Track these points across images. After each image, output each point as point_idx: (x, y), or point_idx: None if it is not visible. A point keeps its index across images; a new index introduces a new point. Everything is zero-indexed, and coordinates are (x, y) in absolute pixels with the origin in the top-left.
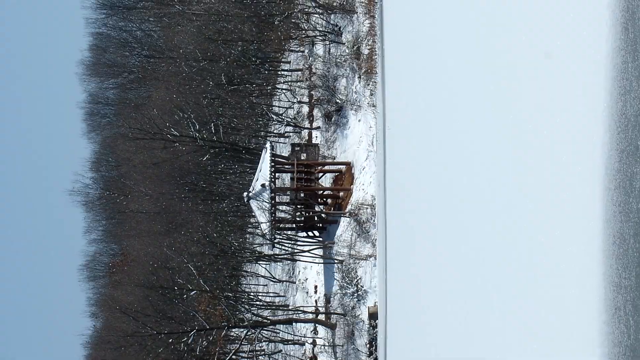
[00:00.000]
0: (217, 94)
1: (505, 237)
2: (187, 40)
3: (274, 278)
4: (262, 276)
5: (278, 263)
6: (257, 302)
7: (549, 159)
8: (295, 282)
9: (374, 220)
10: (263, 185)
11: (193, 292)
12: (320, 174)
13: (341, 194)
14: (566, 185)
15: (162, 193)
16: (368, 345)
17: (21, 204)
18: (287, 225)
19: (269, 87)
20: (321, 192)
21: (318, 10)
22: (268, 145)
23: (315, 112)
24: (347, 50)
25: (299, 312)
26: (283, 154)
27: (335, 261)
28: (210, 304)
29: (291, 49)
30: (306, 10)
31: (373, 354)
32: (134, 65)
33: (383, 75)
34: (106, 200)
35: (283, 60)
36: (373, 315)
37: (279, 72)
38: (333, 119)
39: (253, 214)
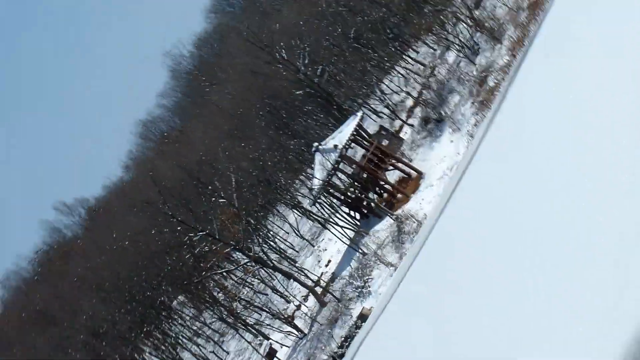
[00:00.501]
0: (339, 42)
1: None
2: None
3: (298, 231)
4: (289, 223)
5: (309, 220)
6: (271, 243)
7: None
8: (313, 246)
9: (413, 236)
10: (335, 146)
11: (222, 201)
12: (391, 167)
13: (399, 195)
14: None
15: (244, 100)
16: (342, 339)
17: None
18: (336, 194)
19: (388, 64)
20: (383, 183)
21: (468, 22)
22: (360, 113)
23: (417, 110)
24: (474, 72)
25: (302, 273)
26: (368, 130)
27: (359, 251)
28: (231, 219)
29: (426, 41)
30: (458, 15)
31: (343, 348)
32: None
33: (494, 115)
34: (192, 78)
35: (414, 47)
36: (363, 317)
37: (404, 56)
38: (429, 125)
39: (313, 165)
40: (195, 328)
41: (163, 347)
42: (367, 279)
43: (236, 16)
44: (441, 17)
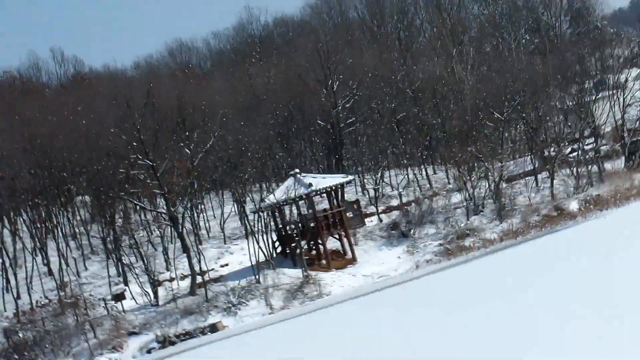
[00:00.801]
0: (384, 113)
1: None
2: None
3: (223, 222)
4: (222, 211)
5: (239, 222)
6: (195, 214)
7: None
8: (225, 243)
9: (303, 301)
10: (310, 184)
11: (187, 151)
12: (337, 236)
13: (323, 261)
14: None
15: (280, 86)
16: (183, 332)
17: None
18: (277, 219)
19: (405, 161)
20: (320, 242)
21: (491, 187)
22: (294, 173)
23: (396, 212)
24: (461, 225)
25: (198, 256)
26: (347, 193)
27: (256, 276)
28: (181, 171)
29: (448, 169)
30: (488, 174)
31: (177, 339)
32: None
33: (443, 268)
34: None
35: (435, 165)
36: (213, 328)
37: (422, 166)
38: (393, 231)
39: (280, 184)
40: (76, 230)
41: (37, 225)
42: (243, 302)
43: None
44: (474, 165)
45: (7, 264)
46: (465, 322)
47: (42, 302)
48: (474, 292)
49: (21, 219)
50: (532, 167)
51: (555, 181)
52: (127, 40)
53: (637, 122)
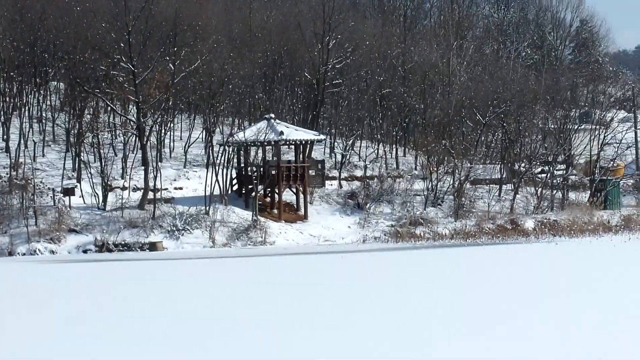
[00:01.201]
0: (371, 84)
1: None
2: None
3: (188, 145)
4: (190, 135)
5: (204, 150)
6: (163, 131)
7: None
8: (185, 167)
9: (247, 244)
10: (281, 132)
11: (171, 66)
12: (294, 190)
13: (274, 210)
14: None
15: (279, 28)
16: (123, 243)
17: None
18: (241, 158)
19: (378, 136)
20: (277, 192)
21: (456, 187)
22: (269, 117)
23: (357, 183)
24: (417, 212)
25: (154, 172)
26: (314, 152)
27: (207, 208)
28: (160, 84)
29: (418, 154)
30: (457, 170)
31: (115, 247)
32: None
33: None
34: None
35: (407, 148)
36: (152, 246)
37: (394, 144)
38: (349, 201)
39: (252, 124)
40: (43, 114)
41: (6, 99)
42: (188, 229)
43: None
44: (444, 158)
45: None
46: (371, 309)
47: None
48: (407, 280)
49: None
50: (499, 176)
51: (518, 196)
52: None
53: (611, 163)
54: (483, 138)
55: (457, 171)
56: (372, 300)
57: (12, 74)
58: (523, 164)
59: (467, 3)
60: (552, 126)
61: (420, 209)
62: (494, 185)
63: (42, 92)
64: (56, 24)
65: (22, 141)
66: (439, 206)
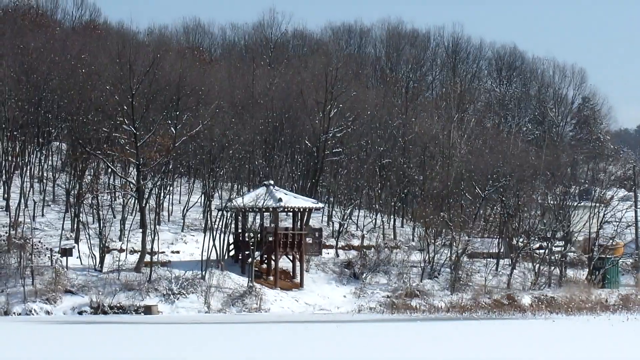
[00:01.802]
0: (371, 154)
1: None
2: None
3: (186, 209)
4: (189, 199)
5: (202, 215)
6: (162, 194)
7: None
8: (182, 231)
9: (242, 310)
10: (280, 199)
11: (172, 130)
12: (290, 258)
13: (270, 278)
14: None
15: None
16: (118, 305)
17: None
18: (239, 223)
19: (377, 206)
20: (273, 259)
21: (454, 259)
22: (268, 183)
23: (354, 253)
24: (413, 284)
25: (152, 235)
26: (312, 219)
27: (203, 273)
28: (162, 147)
29: (415, 226)
30: (454, 244)
31: (111, 309)
32: None
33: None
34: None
35: (404, 219)
36: (148, 309)
37: (393, 216)
38: (346, 270)
39: (251, 190)
40: (44, 174)
41: (9, 158)
42: (183, 293)
43: None
44: (442, 231)
45: None
46: None
47: None
48: (405, 351)
49: None
50: (496, 250)
51: (515, 271)
52: (148, 3)
53: (610, 241)
54: (482, 211)
55: (454, 244)
56: None
57: (15, 133)
58: (521, 239)
59: (470, 77)
60: (552, 202)
61: (416, 280)
62: (492, 259)
63: (44, 152)
64: (61, 85)
65: (22, 200)
66: (435, 278)
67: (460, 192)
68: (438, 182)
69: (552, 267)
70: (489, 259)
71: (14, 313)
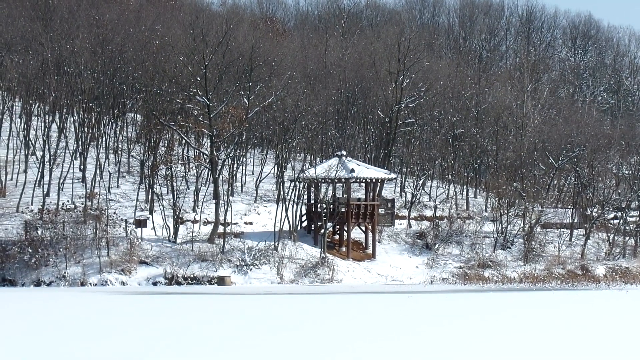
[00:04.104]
0: (444, 123)
1: None
2: None
3: (259, 180)
4: (262, 169)
5: (274, 185)
6: (235, 165)
7: None
8: (255, 202)
9: (314, 281)
10: (352, 170)
11: (245, 101)
12: (363, 229)
13: (343, 248)
14: None
15: (355, 68)
16: (192, 276)
17: None
18: (312, 194)
19: (450, 176)
20: (345, 229)
21: (527, 229)
22: (340, 153)
23: (426, 223)
24: (486, 254)
25: (225, 206)
26: (385, 190)
27: (275, 244)
28: (235, 117)
29: (491, 197)
30: (527, 213)
31: (184, 280)
32: None
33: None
34: None
35: (478, 191)
36: (221, 280)
37: (466, 185)
38: (419, 240)
39: (324, 160)
40: (119, 146)
41: (84, 129)
42: (256, 264)
43: None
44: (515, 201)
45: (46, 159)
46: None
47: (68, 206)
48: (475, 323)
49: (72, 118)
50: (570, 221)
51: (589, 241)
52: None
53: None
54: (555, 182)
55: (527, 214)
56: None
57: (91, 105)
58: (595, 209)
59: (544, 46)
60: (626, 172)
61: (489, 251)
62: (565, 230)
63: (119, 123)
64: (135, 56)
65: (97, 172)
66: (508, 249)
67: (534, 163)
68: (511, 152)
69: (627, 238)
70: (562, 230)
71: (90, 283)
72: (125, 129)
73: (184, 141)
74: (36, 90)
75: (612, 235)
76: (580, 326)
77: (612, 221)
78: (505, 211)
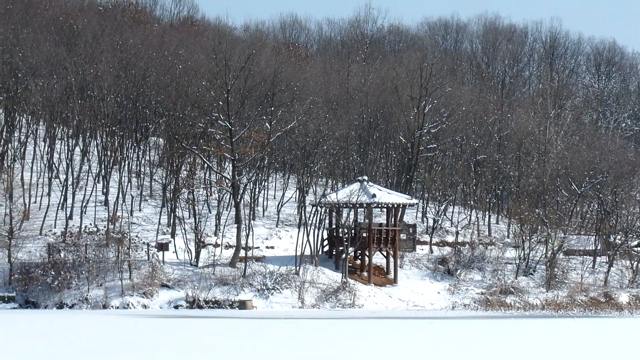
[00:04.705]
0: (469, 149)
1: None
2: None
3: (281, 205)
4: (283, 194)
5: (296, 210)
6: (257, 189)
7: None
8: (277, 226)
9: (335, 306)
10: (374, 195)
11: (267, 125)
12: (384, 254)
13: (364, 274)
14: None
15: (380, 95)
16: (213, 300)
17: None
18: (333, 218)
19: (472, 203)
20: (367, 254)
21: (547, 259)
22: (362, 178)
23: (448, 249)
24: (508, 281)
25: (247, 231)
26: (406, 215)
27: (297, 268)
28: (257, 142)
29: (514, 223)
30: (550, 244)
31: (205, 304)
32: None
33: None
34: None
35: (500, 216)
36: (242, 304)
37: (488, 212)
38: (440, 266)
39: (345, 185)
40: (142, 169)
41: (107, 153)
42: (277, 288)
43: None
44: (537, 227)
45: (69, 182)
46: None
47: (90, 229)
48: (497, 350)
49: (95, 142)
50: (593, 248)
51: (612, 268)
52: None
53: None
54: (578, 208)
55: (550, 241)
56: None
57: (114, 128)
58: (619, 236)
59: (567, 72)
60: None
61: (511, 277)
62: (588, 257)
63: (141, 147)
64: (158, 81)
65: (120, 195)
66: (530, 275)
67: (556, 189)
68: (534, 179)
69: None
70: (585, 257)
71: (112, 306)
72: (147, 152)
73: (206, 165)
74: (60, 114)
75: (635, 263)
76: (604, 355)
77: (635, 248)
78: (528, 237)
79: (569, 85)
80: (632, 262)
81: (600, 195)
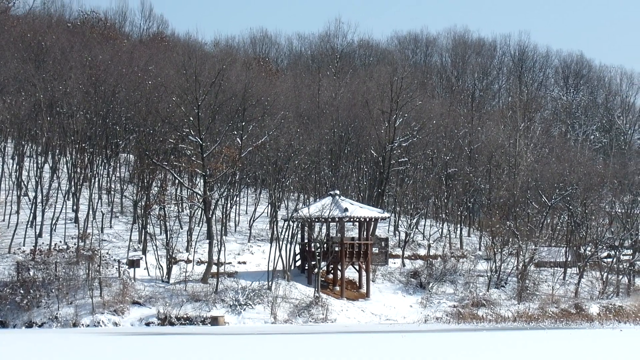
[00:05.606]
0: (437, 163)
1: None
2: None
3: (253, 220)
4: (255, 209)
5: (268, 225)
6: (228, 204)
7: None
8: (249, 241)
9: (307, 321)
10: (346, 209)
11: (238, 140)
12: (357, 268)
13: (337, 288)
14: None
15: (350, 109)
16: (185, 316)
17: None
18: (305, 233)
19: (444, 215)
20: (339, 268)
21: (520, 268)
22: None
23: (420, 262)
24: (480, 293)
25: (219, 246)
26: (378, 229)
27: (270, 283)
28: (228, 157)
29: (483, 235)
30: (521, 251)
31: (177, 321)
32: None
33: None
34: None
35: (471, 229)
36: (214, 320)
37: (459, 224)
38: (412, 279)
39: (318, 199)
40: (112, 186)
41: (77, 170)
42: (250, 304)
43: None
44: (508, 240)
45: (39, 200)
46: None
47: (60, 247)
48: None
49: (64, 159)
50: (564, 260)
51: (582, 280)
52: (213, 14)
53: None
54: (548, 220)
55: (521, 253)
56: None
57: (83, 145)
58: (589, 248)
59: (536, 85)
60: (619, 210)
61: (483, 290)
62: (559, 269)
63: (111, 163)
64: (128, 97)
65: (90, 212)
66: (502, 287)
67: (527, 201)
68: (504, 191)
69: (620, 276)
70: (556, 268)
71: (83, 324)
72: (118, 169)
73: (177, 181)
74: (29, 131)
75: (605, 274)
76: None
77: (605, 259)
78: (499, 250)
79: (537, 98)
80: (602, 273)
81: (570, 207)
